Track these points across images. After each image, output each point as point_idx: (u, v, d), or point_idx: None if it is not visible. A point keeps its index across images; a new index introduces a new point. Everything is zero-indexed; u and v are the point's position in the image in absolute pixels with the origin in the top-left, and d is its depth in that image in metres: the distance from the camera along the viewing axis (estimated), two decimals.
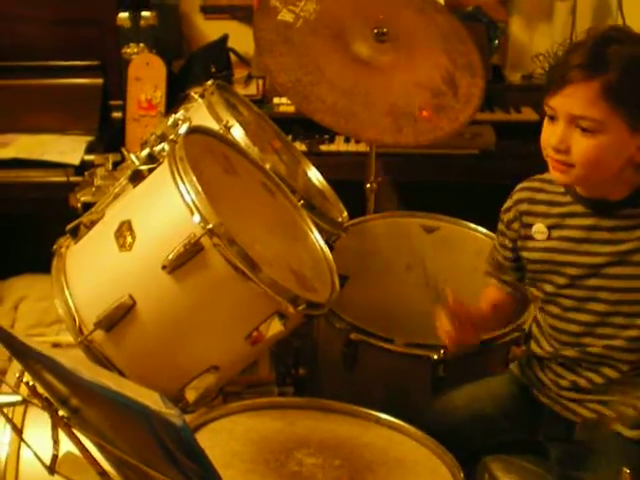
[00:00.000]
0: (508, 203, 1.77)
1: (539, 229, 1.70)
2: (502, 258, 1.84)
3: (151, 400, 0.87)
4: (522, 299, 1.88)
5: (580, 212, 1.65)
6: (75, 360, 0.97)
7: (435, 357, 1.98)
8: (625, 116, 1.50)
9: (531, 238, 1.71)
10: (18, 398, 1.53)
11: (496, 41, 3.33)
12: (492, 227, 2.42)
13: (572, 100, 1.51)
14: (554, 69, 1.57)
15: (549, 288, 1.70)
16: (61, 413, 1.06)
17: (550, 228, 1.69)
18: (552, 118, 1.56)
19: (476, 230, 2.49)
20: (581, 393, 1.71)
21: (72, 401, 1.03)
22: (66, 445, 1.17)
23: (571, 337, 1.69)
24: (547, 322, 1.74)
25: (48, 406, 1.05)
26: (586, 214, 1.64)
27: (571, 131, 1.53)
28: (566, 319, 1.69)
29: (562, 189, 1.68)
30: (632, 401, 1.68)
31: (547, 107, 1.57)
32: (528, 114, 3.16)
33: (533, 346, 1.81)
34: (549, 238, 1.69)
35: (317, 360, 2.33)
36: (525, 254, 1.74)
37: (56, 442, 1.11)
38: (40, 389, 1.07)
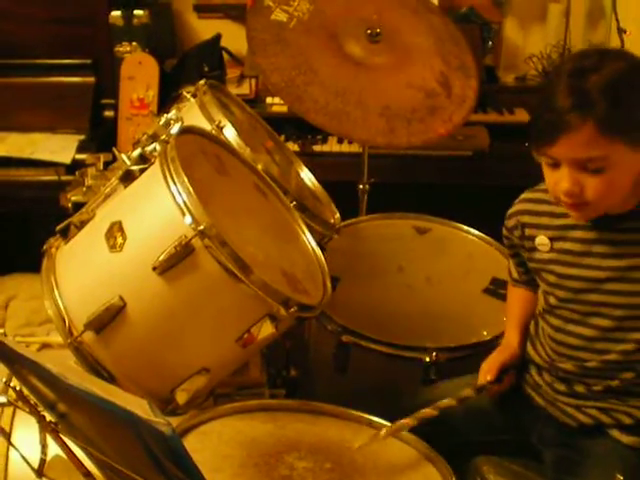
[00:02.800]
0: (511, 210, 1.77)
1: (542, 241, 1.70)
2: (510, 260, 1.87)
3: (140, 408, 0.86)
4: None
5: (581, 225, 1.64)
6: (64, 366, 0.96)
7: (427, 359, 1.98)
8: (625, 140, 1.47)
9: (535, 250, 1.71)
10: (4, 400, 1.52)
11: (490, 42, 3.33)
12: (485, 228, 2.43)
13: (571, 147, 1.48)
14: (541, 117, 1.53)
15: (552, 300, 1.70)
16: (49, 418, 1.05)
17: (552, 240, 1.68)
18: (554, 165, 1.54)
19: (468, 232, 2.49)
20: (579, 399, 1.70)
21: (59, 406, 1.02)
22: (54, 448, 1.16)
23: (569, 350, 1.69)
24: (546, 332, 1.73)
25: (35, 411, 1.03)
26: (587, 227, 1.63)
27: (578, 172, 1.50)
28: (566, 332, 1.68)
29: None
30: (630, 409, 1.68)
31: (545, 157, 1.54)
32: (521, 115, 3.15)
33: (530, 350, 1.80)
34: (551, 250, 1.68)
35: (308, 362, 2.32)
36: (531, 265, 1.75)
37: (44, 446, 1.10)
38: (28, 394, 1.05)
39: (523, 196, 1.76)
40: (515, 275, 1.89)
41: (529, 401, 1.80)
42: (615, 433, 1.68)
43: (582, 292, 1.64)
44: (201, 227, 1.51)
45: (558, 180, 1.53)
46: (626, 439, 1.67)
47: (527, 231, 1.72)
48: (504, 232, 1.82)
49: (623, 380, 1.66)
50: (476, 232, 2.48)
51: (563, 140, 1.48)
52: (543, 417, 1.77)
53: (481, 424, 1.83)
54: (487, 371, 1.78)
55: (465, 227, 2.50)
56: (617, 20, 3.01)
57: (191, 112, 2.03)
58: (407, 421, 1.64)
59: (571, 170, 1.51)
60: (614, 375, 1.66)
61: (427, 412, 1.67)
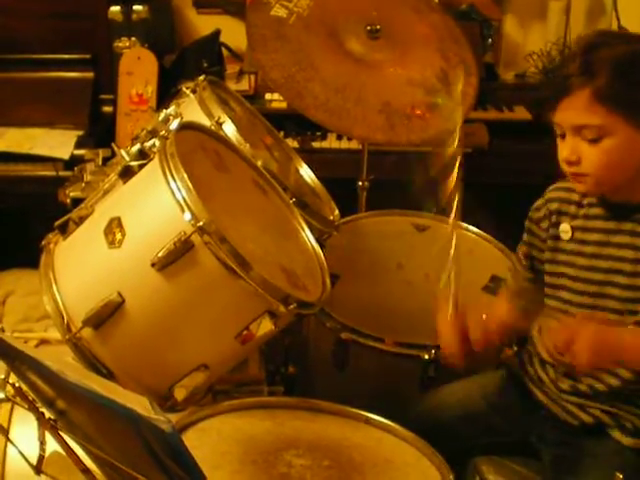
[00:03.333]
0: (539, 202, 1.77)
1: (564, 228, 1.70)
2: (522, 254, 1.84)
3: (140, 405, 0.85)
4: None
5: (601, 215, 1.65)
6: (63, 362, 0.96)
7: (426, 357, 1.98)
8: (625, 116, 1.50)
9: (558, 238, 1.71)
10: (2, 396, 1.51)
11: (489, 39, 3.33)
12: (484, 226, 2.42)
13: (570, 112, 1.54)
14: (549, 84, 1.58)
15: (565, 295, 1.69)
16: (47, 415, 1.04)
17: (574, 229, 1.69)
18: (562, 136, 1.59)
19: (467, 229, 2.49)
20: (582, 398, 1.70)
21: (58, 403, 1.02)
22: (53, 444, 1.15)
23: None
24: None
25: (34, 408, 1.03)
26: (607, 217, 1.64)
27: (578, 142, 1.55)
28: None
29: None
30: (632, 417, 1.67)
31: (555, 126, 1.59)
32: (521, 113, 3.15)
33: (537, 343, 1.79)
34: (572, 239, 1.69)
35: (307, 359, 2.32)
36: (552, 255, 1.73)
37: (42, 443, 1.10)
38: (26, 390, 1.05)
39: (554, 186, 1.77)
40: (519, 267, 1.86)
41: (530, 398, 1.79)
42: (616, 434, 1.68)
43: (598, 284, 1.64)
44: (200, 223, 1.50)
45: (562, 149, 1.58)
46: (627, 440, 1.67)
47: (554, 218, 1.72)
48: (527, 225, 1.80)
49: (624, 380, 1.65)
50: (475, 229, 2.47)
51: (564, 104, 1.54)
52: (543, 416, 1.76)
53: (480, 425, 1.82)
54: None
55: (464, 224, 2.49)
56: (617, 17, 3.00)
57: (190, 108, 2.03)
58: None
59: (572, 139, 1.56)
60: (617, 373, 1.65)
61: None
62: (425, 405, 1.86)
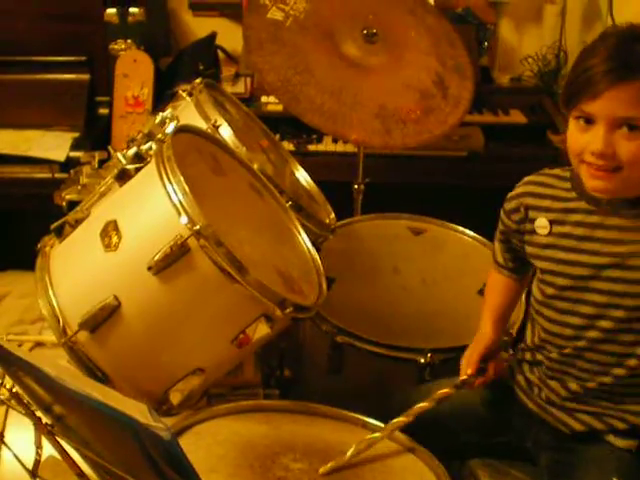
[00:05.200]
0: (512, 193, 1.75)
1: (541, 223, 1.68)
2: (499, 244, 1.84)
3: (138, 412, 0.85)
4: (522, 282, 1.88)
5: (584, 209, 1.63)
6: (59, 367, 0.96)
7: (421, 360, 1.97)
8: None
9: (534, 233, 1.70)
10: None
11: (485, 43, 3.34)
12: (480, 229, 2.43)
13: (614, 103, 1.47)
14: (579, 76, 1.52)
15: (549, 290, 1.68)
16: (44, 420, 1.04)
17: (552, 223, 1.66)
18: (587, 122, 1.51)
19: (463, 232, 2.49)
20: (571, 402, 1.70)
21: (55, 408, 1.01)
22: (49, 449, 1.15)
23: (565, 341, 1.68)
24: (542, 326, 1.71)
25: (31, 413, 1.03)
26: (590, 211, 1.62)
27: (613, 134, 1.49)
28: (560, 323, 1.67)
29: (568, 185, 1.66)
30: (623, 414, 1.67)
31: (580, 112, 1.52)
32: (516, 116, 3.16)
33: (525, 353, 1.80)
34: (550, 233, 1.67)
35: (303, 362, 2.31)
36: (530, 250, 1.72)
37: (39, 447, 1.09)
38: (22, 394, 1.05)
39: (527, 179, 1.74)
40: (500, 260, 1.86)
41: (522, 406, 1.79)
42: (610, 438, 1.68)
43: (581, 279, 1.63)
44: (197, 227, 1.50)
45: (590, 140, 1.51)
46: (621, 443, 1.67)
47: (530, 213, 1.70)
48: (501, 215, 1.79)
49: (616, 377, 1.65)
50: (471, 233, 2.47)
51: (606, 95, 1.46)
52: (537, 422, 1.76)
53: (476, 429, 1.82)
54: (467, 365, 1.77)
55: (460, 228, 2.50)
56: (613, 21, 3.01)
57: (187, 111, 2.03)
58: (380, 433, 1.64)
59: (607, 129, 1.49)
60: (607, 371, 1.65)
61: (401, 420, 1.65)
62: (418, 399, 1.85)
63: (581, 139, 1.53)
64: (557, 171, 1.70)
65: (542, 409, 1.75)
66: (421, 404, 1.69)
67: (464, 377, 1.75)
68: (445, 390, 1.72)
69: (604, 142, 1.49)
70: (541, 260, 1.69)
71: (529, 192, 1.71)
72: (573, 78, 1.53)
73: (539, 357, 1.74)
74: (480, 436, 1.83)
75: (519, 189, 1.74)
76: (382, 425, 1.67)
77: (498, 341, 1.83)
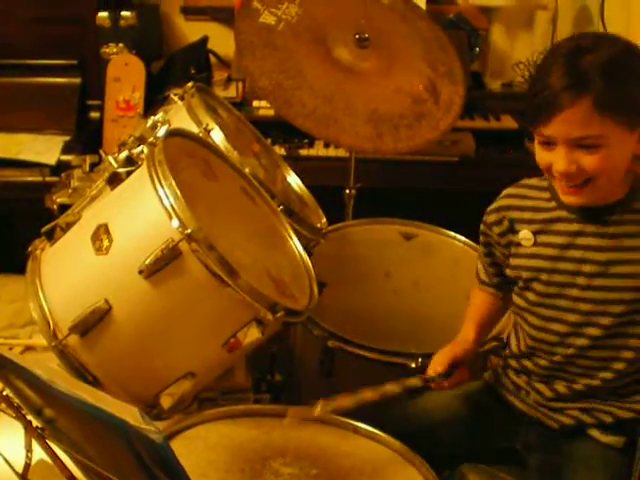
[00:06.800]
0: (492, 206, 1.76)
1: (525, 235, 1.69)
2: (482, 260, 1.84)
3: (130, 415, 0.85)
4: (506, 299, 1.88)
5: (565, 217, 1.64)
6: (50, 370, 0.95)
7: (413, 365, 1.97)
8: (620, 119, 1.48)
9: (519, 245, 1.71)
10: None
11: (477, 49, 3.35)
12: (471, 234, 2.42)
13: (567, 125, 1.49)
14: (535, 97, 1.53)
15: (532, 297, 1.69)
16: (35, 423, 1.03)
17: (535, 234, 1.68)
18: (547, 144, 1.54)
19: (455, 238, 2.49)
20: (560, 401, 1.71)
21: (46, 412, 1.01)
22: (39, 452, 1.14)
23: (548, 346, 1.69)
24: (527, 333, 1.73)
25: (22, 416, 1.02)
26: (571, 220, 1.63)
27: (574, 151, 1.51)
28: (545, 329, 1.68)
29: (547, 195, 1.67)
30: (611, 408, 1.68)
31: (540, 136, 1.54)
32: (507, 122, 3.17)
33: (510, 360, 1.80)
34: (535, 244, 1.68)
35: (294, 366, 2.31)
36: (513, 261, 1.73)
37: (29, 451, 1.09)
38: (12, 397, 1.04)
39: (506, 192, 1.76)
40: (484, 277, 1.86)
41: (510, 409, 1.80)
42: (595, 433, 1.69)
43: (565, 286, 1.64)
44: (188, 231, 1.50)
45: (554, 161, 1.54)
46: (605, 439, 1.68)
47: (515, 225, 1.71)
48: (481, 228, 1.80)
49: (603, 380, 1.66)
50: (462, 238, 2.48)
51: (558, 119, 1.48)
52: (526, 423, 1.77)
53: (465, 434, 1.82)
54: (438, 363, 1.76)
55: (451, 233, 2.50)
56: (604, 27, 3.02)
57: (178, 115, 2.02)
58: (346, 401, 1.63)
59: (567, 149, 1.51)
60: (594, 374, 1.66)
61: (368, 395, 1.65)
62: (412, 409, 1.85)
63: (546, 158, 1.56)
64: (534, 181, 1.71)
65: (531, 407, 1.76)
66: (389, 386, 1.70)
67: (432, 374, 1.75)
68: (414, 380, 1.73)
69: (567, 162, 1.52)
70: (525, 270, 1.70)
71: (511, 205, 1.72)
72: (530, 100, 1.55)
73: (525, 363, 1.76)
74: (470, 443, 1.83)
75: (500, 202, 1.75)
76: (373, 430, 1.67)
77: (474, 351, 1.83)
